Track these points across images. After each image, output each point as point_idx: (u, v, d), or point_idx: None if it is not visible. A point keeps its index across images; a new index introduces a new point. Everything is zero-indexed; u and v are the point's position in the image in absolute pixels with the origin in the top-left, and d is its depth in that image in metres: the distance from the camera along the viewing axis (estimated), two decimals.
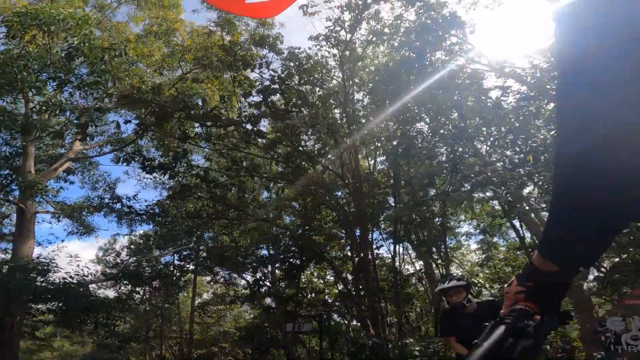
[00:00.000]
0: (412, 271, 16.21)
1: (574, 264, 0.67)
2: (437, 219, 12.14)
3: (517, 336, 0.66)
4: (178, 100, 7.95)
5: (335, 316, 17.36)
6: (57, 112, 7.55)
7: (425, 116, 10.62)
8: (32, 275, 9.69)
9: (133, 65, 10.69)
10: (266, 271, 17.86)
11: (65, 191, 13.47)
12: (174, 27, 12.26)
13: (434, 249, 13.07)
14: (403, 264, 15.17)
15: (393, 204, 12.54)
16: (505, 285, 0.85)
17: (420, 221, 11.13)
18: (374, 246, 13.39)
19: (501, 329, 0.67)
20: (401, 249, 13.97)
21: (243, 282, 23.70)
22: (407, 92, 9.40)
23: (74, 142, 11.91)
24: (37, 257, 10.52)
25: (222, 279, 21.77)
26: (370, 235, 12.64)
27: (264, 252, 16.56)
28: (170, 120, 7.56)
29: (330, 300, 17.75)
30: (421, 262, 15.16)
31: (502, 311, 0.75)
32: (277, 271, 17.33)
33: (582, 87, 0.48)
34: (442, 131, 9.98)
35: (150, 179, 15.20)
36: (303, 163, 11.55)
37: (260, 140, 11.11)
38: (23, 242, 10.24)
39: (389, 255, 14.58)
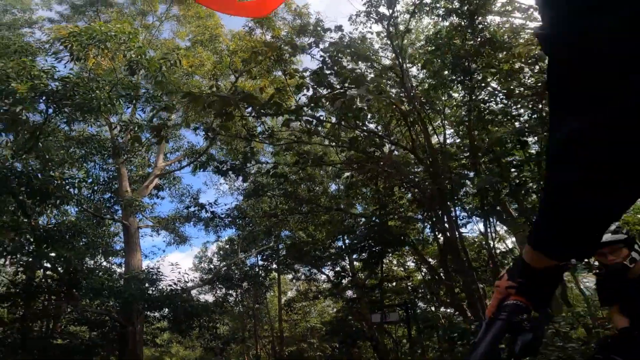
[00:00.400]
0: (502, 249, 14.68)
1: (567, 256, 0.65)
2: (533, 184, 10.69)
3: (514, 332, 0.66)
4: (237, 92, 8.15)
5: (420, 304, 16.65)
6: (136, 129, 8.24)
7: (490, 79, 9.67)
8: (144, 285, 10.82)
9: (189, 77, 11.33)
10: (345, 263, 17.71)
11: (159, 206, 14.96)
12: (216, 33, 12.81)
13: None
14: (495, 240, 13.78)
15: (473, 176, 11.45)
16: (500, 276, 0.79)
17: (512, 189, 9.91)
18: (458, 224, 12.39)
19: (497, 325, 0.66)
20: (490, 224, 12.69)
21: (324, 276, 24.12)
22: (465, 57, 8.59)
23: (158, 159, 13.16)
24: (146, 268, 11.73)
25: (302, 276, 22.26)
26: (453, 212, 11.68)
27: (340, 243, 16.45)
28: (234, 118, 7.74)
29: (412, 287, 17.02)
30: (513, 239, 13.64)
31: (490, 305, 0.76)
32: (355, 262, 17.10)
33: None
34: (517, 91, 8.85)
35: (226, 183, 16.16)
36: (368, 147, 11.11)
37: (321, 130, 10.95)
38: (132, 255, 11.53)
39: (474, 235, 13.43)
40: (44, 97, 5.90)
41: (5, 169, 5.73)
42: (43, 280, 9.55)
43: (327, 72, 10.12)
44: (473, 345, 0.64)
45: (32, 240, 6.72)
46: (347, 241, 15.93)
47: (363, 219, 14.81)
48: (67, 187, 6.70)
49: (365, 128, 10.75)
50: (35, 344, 9.39)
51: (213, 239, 17.93)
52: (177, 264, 12.16)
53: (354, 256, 16.17)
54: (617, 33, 0.41)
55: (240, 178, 10.99)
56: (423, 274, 15.61)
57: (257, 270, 18.33)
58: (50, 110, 6.27)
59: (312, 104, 8.71)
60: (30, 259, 7.34)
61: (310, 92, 9.85)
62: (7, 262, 8.27)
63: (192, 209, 12.89)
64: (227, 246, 19.11)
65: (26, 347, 8.96)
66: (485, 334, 0.65)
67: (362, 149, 11.13)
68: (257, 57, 10.57)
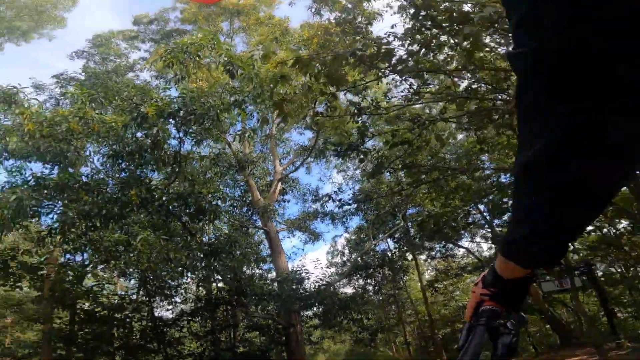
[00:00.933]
0: None
1: (536, 264, 0.69)
2: None
3: (494, 336, 0.71)
4: (345, 50, 7.47)
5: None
6: (251, 133, 8.36)
7: None
8: (295, 285, 11.22)
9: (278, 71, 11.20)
10: (484, 231, 15.57)
11: (287, 209, 15.70)
12: (285, 27, 12.53)
13: None
14: None
15: None
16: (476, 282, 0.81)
17: None
18: None
19: (479, 331, 0.71)
20: None
21: (461, 250, 22.05)
22: None
23: (275, 166, 13.70)
24: (292, 269, 12.19)
25: (437, 254, 20.68)
26: None
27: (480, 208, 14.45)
28: (347, 82, 7.10)
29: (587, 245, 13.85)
30: None
31: (467, 309, 0.79)
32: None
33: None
34: None
35: (343, 171, 15.96)
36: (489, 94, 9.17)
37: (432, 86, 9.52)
38: (278, 258, 12.10)
39: None
40: (171, 119, 6.28)
41: (165, 195, 6.28)
42: (218, 292, 10.72)
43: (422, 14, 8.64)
44: (458, 350, 0.68)
45: (201, 256, 7.45)
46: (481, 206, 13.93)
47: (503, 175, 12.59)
48: (215, 202, 7.15)
49: (492, 66, 8.83)
50: (225, 354, 10.47)
51: (341, 231, 18.03)
52: (317, 259, 12.30)
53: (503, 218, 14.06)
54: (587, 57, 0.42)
55: (357, 159, 10.39)
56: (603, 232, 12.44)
57: (390, 254, 17.72)
58: (181, 133, 6.71)
59: (433, 49, 7.39)
60: (204, 274, 8.21)
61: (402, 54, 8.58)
62: (189, 280, 9.53)
63: (320, 201, 12.93)
64: (354, 237, 18.98)
65: (218, 357, 10.07)
66: (469, 339, 0.70)
67: (480, 96, 9.27)
68: (333, 38, 9.88)
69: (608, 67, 0.42)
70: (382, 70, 9.35)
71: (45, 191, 5.40)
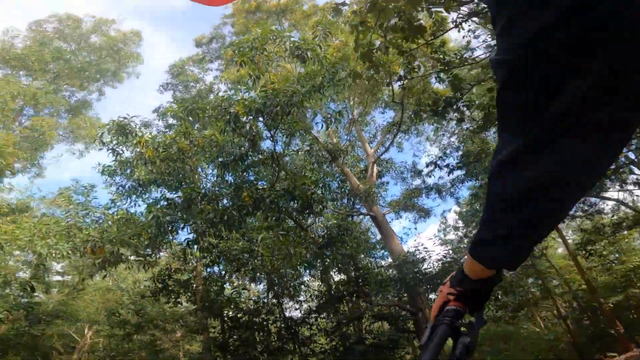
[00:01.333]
0: None
1: (500, 266, 0.71)
2: None
3: (455, 335, 0.74)
4: None
5: None
6: (337, 116, 8.04)
7: None
8: (416, 267, 10.49)
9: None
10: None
11: (388, 191, 15.05)
12: (332, 7, 11.81)
13: None
14: None
15: None
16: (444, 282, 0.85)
17: None
18: None
19: (441, 329, 0.73)
20: None
21: (609, 204, 17.98)
22: None
23: (366, 149, 13.21)
24: (408, 251, 11.46)
25: (579, 211, 17.28)
26: None
27: None
28: (426, 31, 6.21)
29: None
30: None
31: (433, 308, 0.83)
32: None
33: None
34: None
35: (439, 138, 14.65)
36: None
37: None
38: (391, 242, 11.51)
39: None
40: (260, 117, 6.32)
41: (272, 192, 6.35)
42: (339, 285, 10.71)
43: None
44: (421, 347, 0.71)
45: (317, 250, 7.45)
46: None
47: None
48: (320, 192, 7.03)
49: None
50: (354, 347, 10.30)
51: (451, 205, 16.49)
52: (435, 236, 11.27)
53: None
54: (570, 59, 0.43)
55: (455, 119, 9.14)
56: None
57: None
58: (272, 131, 6.73)
59: None
60: (324, 266, 8.21)
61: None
62: (309, 277, 9.70)
63: (421, 174, 11.89)
64: (467, 208, 17.13)
65: (349, 352, 9.92)
66: (431, 338, 0.73)
67: None
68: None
69: (581, 74, 0.43)
70: (461, 15, 7.98)
71: (175, 209, 5.99)
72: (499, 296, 13.87)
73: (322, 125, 9.92)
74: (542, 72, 0.45)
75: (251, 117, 6.26)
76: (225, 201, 6.55)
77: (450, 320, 0.75)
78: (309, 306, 11.98)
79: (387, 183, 14.50)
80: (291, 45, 7.15)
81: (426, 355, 0.67)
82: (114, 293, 19.21)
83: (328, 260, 7.13)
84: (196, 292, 11.88)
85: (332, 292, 10.52)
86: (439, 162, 10.45)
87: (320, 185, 7.33)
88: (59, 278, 18.70)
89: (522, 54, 0.45)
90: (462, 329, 0.74)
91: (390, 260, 11.97)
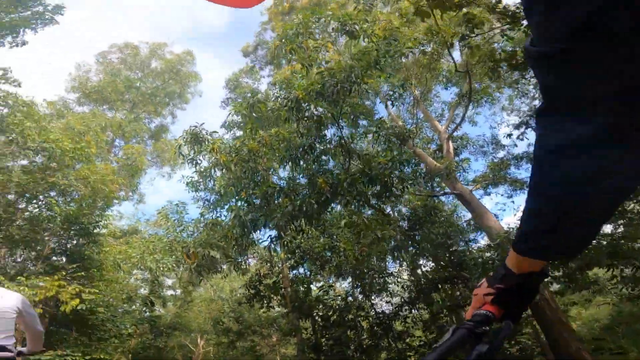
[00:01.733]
0: None
1: (554, 257, 0.69)
2: None
3: (475, 342, 0.68)
4: None
5: None
6: (401, 91, 7.45)
7: None
8: None
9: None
10: None
11: (469, 167, 13.77)
12: None
13: None
14: None
15: None
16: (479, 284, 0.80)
17: None
18: None
19: (459, 333, 0.68)
20: None
21: None
22: None
23: (435, 126, 12.26)
24: (509, 228, 10.14)
25: None
26: None
27: None
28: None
29: None
30: None
31: (467, 314, 0.78)
32: None
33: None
34: None
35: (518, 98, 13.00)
36: None
37: None
38: (485, 220, 10.30)
39: None
40: (320, 99, 6.08)
41: (347, 176, 6.04)
42: (437, 271, 9.91)
43: None
44: (433, 349, 0.66)
45: (404, 230, 6.91)
46: None
47: None
48: (397, 171, 6.52)
49: None
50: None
51: None
52: None
53: None
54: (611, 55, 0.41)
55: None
56: None
57: None
58: (336, 117, 6.43)
59: None
60: (414, 252, 7.62)
61: None
62: (397, 267, 9.14)
63: (516, 131, 10.46)
64: None
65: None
66: (448, 340, 0.67)
67: None
68: None
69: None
70: None
71: (255, 207, 6.07)
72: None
73: (385, 105, 9.38)
74: (604, 60, 0.40)
75: (312, 102, 6.07)
76: (301, 195, 6.45)
77: (473, 325, 0.69)
78: (402, 297, 11.29)
79: (467, 159, 13.23)
80: (337, 22, 6.86)
81: (431, 355, 0.61)
82: (216, 303, 20.78)
83: (417, 246, 6.52)
84: (285, 295, 12.09)
85: (422, 281, 9.72)
86: (531, 123, 8.97)
87: (398, 164, 6.81)
88: (171, 292, 20.83)
89: (575, 42, 0.40)
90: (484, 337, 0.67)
91: (485, 240, 10.71)
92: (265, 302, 11.99)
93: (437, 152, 12.38)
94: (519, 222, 0.65)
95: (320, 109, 5.85)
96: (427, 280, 9.79)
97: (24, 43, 11.69)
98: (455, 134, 13.25)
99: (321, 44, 7.43)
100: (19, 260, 12.59)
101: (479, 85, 11.56)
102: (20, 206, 10.94)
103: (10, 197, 10.73)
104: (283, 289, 12.10)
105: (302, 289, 11.80)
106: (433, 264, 9.81)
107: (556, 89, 0.47)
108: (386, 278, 10.65)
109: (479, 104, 14.54)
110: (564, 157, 0.51)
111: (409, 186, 7.17)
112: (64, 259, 11.73)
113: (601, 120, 0.45)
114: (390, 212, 9.46)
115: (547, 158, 0.53)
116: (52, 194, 10.76)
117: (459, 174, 10.08)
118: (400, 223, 6.50)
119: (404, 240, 5.94)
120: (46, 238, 11.23)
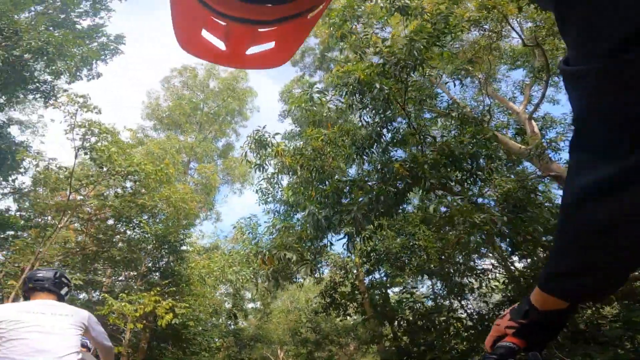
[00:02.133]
0: None
1: (582, 300, 0.63)
2: None
3: None
4: None
5: None
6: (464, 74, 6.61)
7: None
8: None
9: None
10: None
11: (564, 141, 11.96)
12: None
13: None
14: None
15: None
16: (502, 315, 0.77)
17: None
18: None
19: None
20: None
21: None
22: None
23: (511, 107, 10.92)
24: None
25: None
26: None
27: None
28: None
29: None
30: None
31: (486, 341, 0.78)
32: None
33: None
34: None
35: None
36: None
37: None
38: None
39: None
40: (383, 77, 5.64)
41: (423, 157, 5.46)
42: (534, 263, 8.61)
43: None
44: None
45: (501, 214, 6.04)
46: None
47: None
48: (485, 152, 5.75)
49: None
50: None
51: None
52: None
53: None
54: None
55: None
56: None
57: None
58: (402, 101, 5.90)
59: None
60: (512, 243, 6.61)
61: None
62: (489, 264, 8.08)
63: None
64: None
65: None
66: None
67: None
68: None
69: None
70: None
71: (327, 204, 5.82)
72: None
73: (452, 85, 8.55)
74: None
75: (376, 80, 5.66)
76: (375, 186, 6.03)
77: (497, 357, 0.70)
78: (502, 294, 10.00)
79: (563, 134, 11.43)
80: (385, 2, 6.42)
81: None
82: (293, 314, 21.00)
83: (519, 234, 5.60)
84: (363, 302, 11.66)
85: (517, 276, 8.41)
86: None
87: (483, 141, 6.03)
88: (251, 305, 21.56)
89: (620, 59, 0.35)
90: None
91: None
92: (341, 310, 11.66)
93: (517, 136, 10.95)
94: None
95: (386, 88, 5.42)
96: (520, 276, 8.48)
97: (99, 75, 12.24)
98: (534, 115, 11.68)
99: (374, 20, 7.04)
100: (122, 279, 14.07)
101: (552, 63, 10.06)
102: (117, 229, 12.23)
103: (110, 222, 12.07)
104: (359, 294, 11.65)
105: (380, 293, 11.22)
106: (529, 260, 8.46)
107: (591, 114, 0.41)
108: (480, 274, 9.54)
109: (557, 82, 12.74)
110: (594, 200, 0.46)
111: (498, 168, 6.30)
112: (158, 275, 12.78)
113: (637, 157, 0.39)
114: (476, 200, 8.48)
115: (575, 199, 0.49)
116: (144, 217, 11.82)
117: (552, 154, 8.67)
118: (495, 210, 5.68)
119: (502, 227, 5.10)
120: (143, 257, 12.36)
